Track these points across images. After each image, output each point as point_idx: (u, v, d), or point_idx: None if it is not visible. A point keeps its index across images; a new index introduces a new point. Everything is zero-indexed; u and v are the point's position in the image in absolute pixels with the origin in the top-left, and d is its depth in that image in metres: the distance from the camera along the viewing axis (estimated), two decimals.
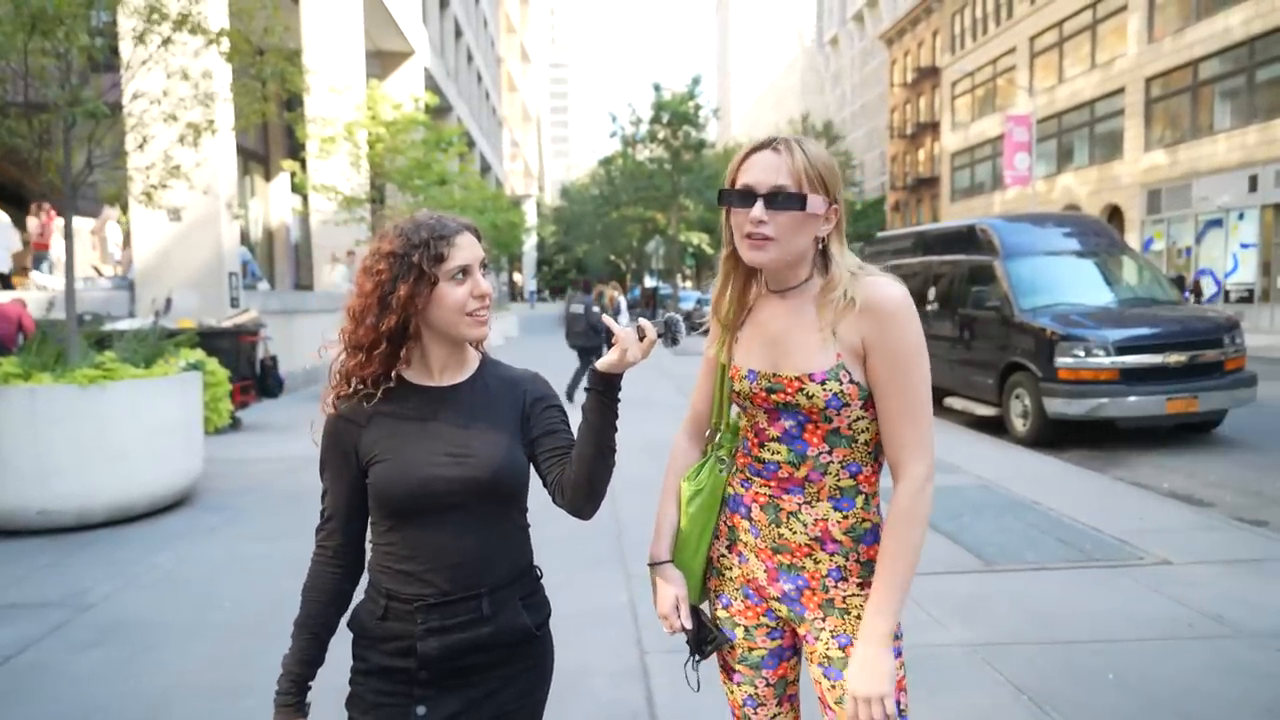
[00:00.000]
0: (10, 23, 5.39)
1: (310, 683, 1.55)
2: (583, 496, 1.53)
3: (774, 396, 1.53)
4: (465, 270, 1.50)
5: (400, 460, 1.49)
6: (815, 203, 1.48)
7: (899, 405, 1.48)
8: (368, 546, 1.60)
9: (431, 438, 1.52)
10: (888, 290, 1.48)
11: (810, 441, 1.52)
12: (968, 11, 38.29)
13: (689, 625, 1.66)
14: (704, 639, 1.67)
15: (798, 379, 1.50)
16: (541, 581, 1.67)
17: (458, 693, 1.52)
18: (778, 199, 1.46)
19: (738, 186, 1.51)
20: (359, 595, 1.61)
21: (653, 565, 1.71)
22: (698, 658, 1.69)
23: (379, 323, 1.49)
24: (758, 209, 1.47)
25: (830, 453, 1.52)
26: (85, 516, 5.34)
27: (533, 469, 1.62)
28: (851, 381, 1.48)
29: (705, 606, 1.72)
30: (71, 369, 5.47)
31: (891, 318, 1.46)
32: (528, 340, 25.17)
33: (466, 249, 1.51)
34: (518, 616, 1.56)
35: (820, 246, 1.55)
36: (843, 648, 1.54)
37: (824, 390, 1.48)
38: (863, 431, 1.52)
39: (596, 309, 12.88)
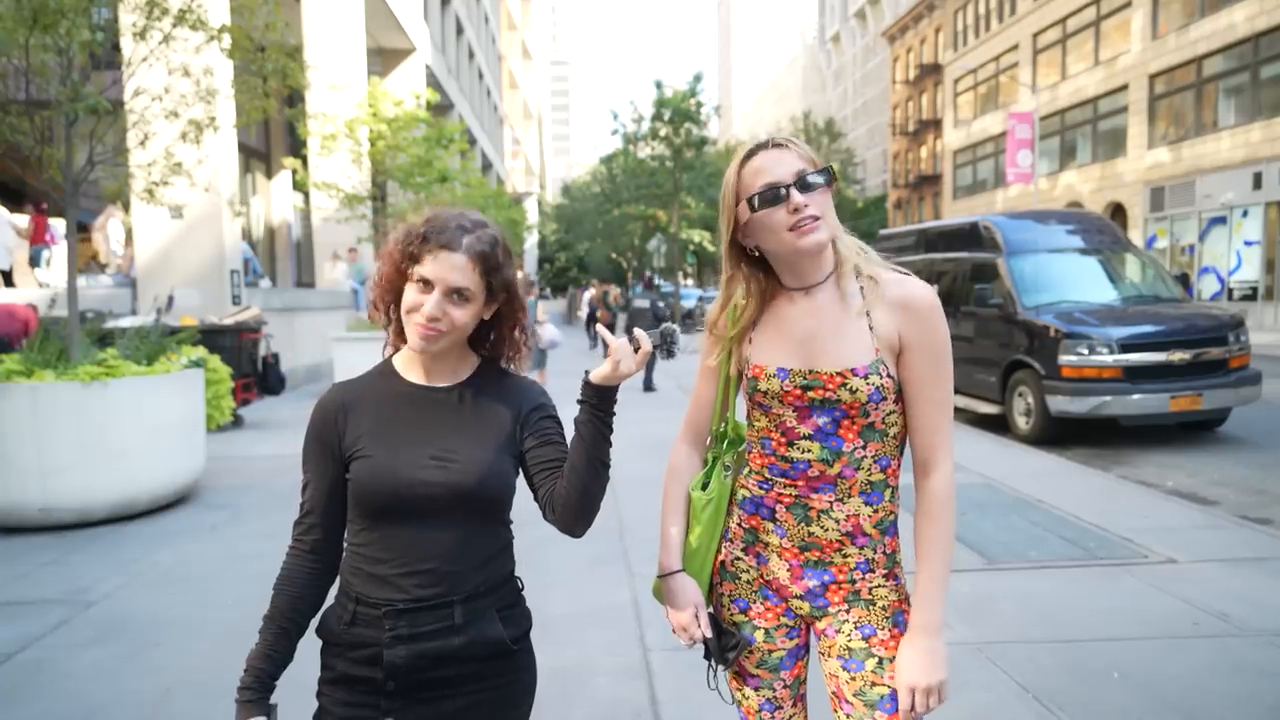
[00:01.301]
0: (11, 18, 5.38)
1: (274, 681, 1.47)
2: (573, 513, 1.47)
3: (811, 393, 1.51)
4: (428, 283, 1.43)
5: (382, 459, 1.45)
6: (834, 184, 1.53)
7: (936, 399, 1.52)
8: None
9: (418, 439, 1.47)
10: (922, 288, 1.53)
11: (845, 437, 1.51)
12: (970, 8, 38.19)
13: (709, 633, 1.61)
14: (727, 645, 1.60)
15: (839, 374, 1.49)
16: (523, 594, 1.60)
17: (428, 705, 1.45)
18: (806, 181, 1.48)
19: (758, 190, 1.49)
20: (329, 600, 1.55)
21: (664, 576, 1.67)
22: (721, 667, 1.62)
23: (382, 289, 1.52)
24: (796, 195, 1.46)
25: (865, 447, 1.52)
26: (87, 514, 5.33)
27: (524, 480, 1.56)
28: (889, 375, 1.50)
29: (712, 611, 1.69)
30: (73, 366, 5.47)
31: (929, 315, 1.51)
32: None
33: (443, 266, 1.43)
34: (493, 628, 1.48)
35: None
36: (866, 639, 1.54)
37: (867, 384, 1.48)
38: (893, 425, 1.54)
39: (662, 304, 13.64)
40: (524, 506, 1.61)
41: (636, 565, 4.49)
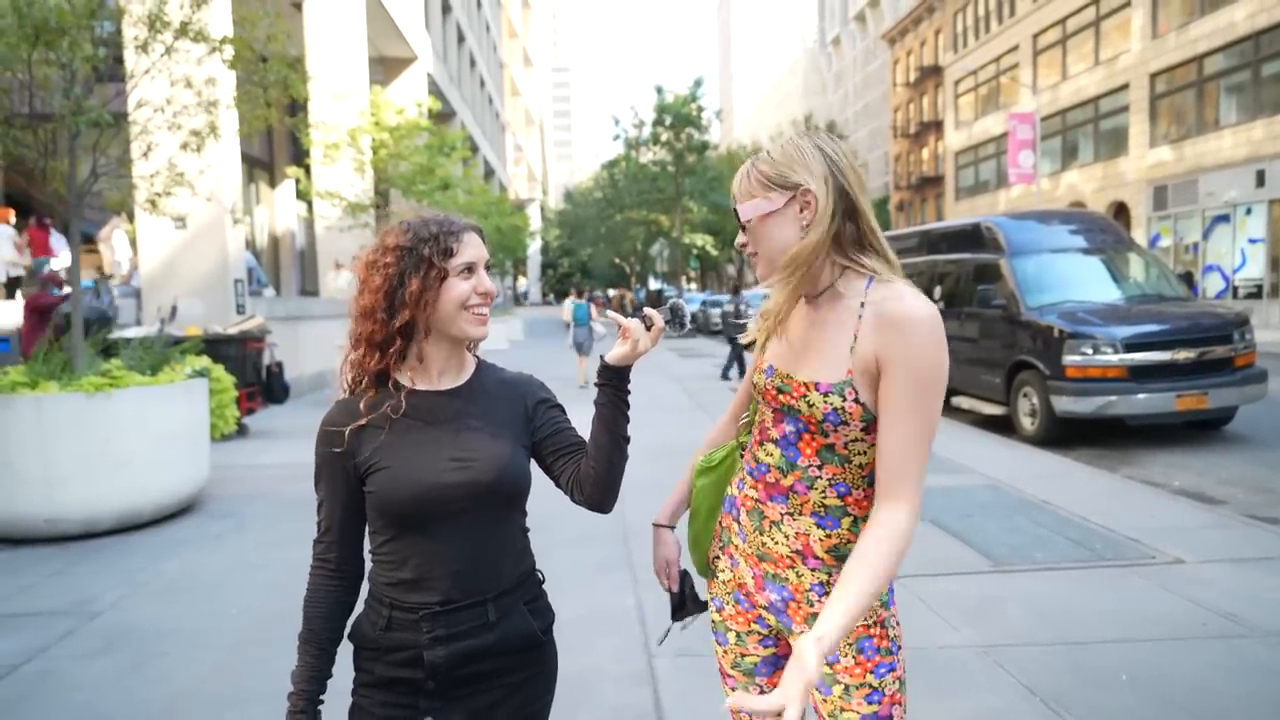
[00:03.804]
0: (14, 34, 5.41)
1: (322, 697, 1.51)
2: (603, 488, 1.53)
3: (782, 397, 1.50)
4: (471, 267, 1.51)
5: (402, 468, 1.46)
6: (754, 206, 1.48)
7: (909, 426, 1.35)
8: (366, 556, 1.57)
9: (433, 443, 1.49)
10: (910, 304, 1.37)
11: (803, 451, 1.47)
12: (970, 10, 38.19)
13: (674, 589, 1.76)
14: (678, 606, 1.76)
15: (804, 385, 1.45)
16: (544, 586, 1.66)
17: (464, 701, 1.51)
18: (740, 214, 1.53)
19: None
20: (359, 605, 1.59)
21: (655, 526, 1.80)
22: (673, 621, 1.78)
23: (390, 319, 1.48)
24: (740, 236, 1.57)
25: (820, 468, 1.46)
26: (92, 524, 5.34)
27: (541, 472, 1.61)
28: (856, 401, 1.39)
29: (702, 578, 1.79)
30: (78, 377, 5.48)
31: (912, 335, 1.35)
32: (532, 343, 25.15)
33: (473, 246, 1.52)
34: (523, 622, 1.54)
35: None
36: (830, 665, 1.49)
37: (825, 402, 1.41)
38: (859, 454, 1.45)
39: (728, 306, 16.91)
40: (531, 511, 1.62)
41: (641, 571, 4.48)
